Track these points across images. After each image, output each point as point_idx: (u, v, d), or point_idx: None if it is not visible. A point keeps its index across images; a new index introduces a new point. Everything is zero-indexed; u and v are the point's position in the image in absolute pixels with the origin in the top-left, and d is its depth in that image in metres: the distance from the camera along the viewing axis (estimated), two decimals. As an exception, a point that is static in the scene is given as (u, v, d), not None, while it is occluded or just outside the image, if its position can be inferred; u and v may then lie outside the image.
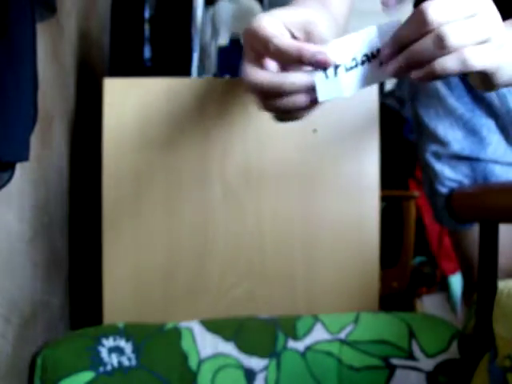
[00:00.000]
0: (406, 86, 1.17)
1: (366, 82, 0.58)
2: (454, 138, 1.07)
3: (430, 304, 2.16)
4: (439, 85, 1.06)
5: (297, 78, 0.57)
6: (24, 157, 0.70)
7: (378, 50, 0.57)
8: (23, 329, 0.87)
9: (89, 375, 0.87)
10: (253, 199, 1.07)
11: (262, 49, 0.58)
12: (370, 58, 0.57)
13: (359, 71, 0.57)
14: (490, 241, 0.89)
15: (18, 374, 0.85)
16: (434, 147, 1.09)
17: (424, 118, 1.10)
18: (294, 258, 1.07)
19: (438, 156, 1.09)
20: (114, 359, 0.90)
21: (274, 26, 0.58)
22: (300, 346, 0.94)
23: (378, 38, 0.56)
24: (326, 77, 0.56)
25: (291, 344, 0.94)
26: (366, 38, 0.56)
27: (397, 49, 0.55)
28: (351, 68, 0.57)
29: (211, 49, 1.30)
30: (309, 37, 0.58)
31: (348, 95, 0.57)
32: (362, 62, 0.57)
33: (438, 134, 1.07)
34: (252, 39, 0.59)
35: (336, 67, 0.56)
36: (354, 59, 0.57)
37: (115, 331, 0.94)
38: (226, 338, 0.94)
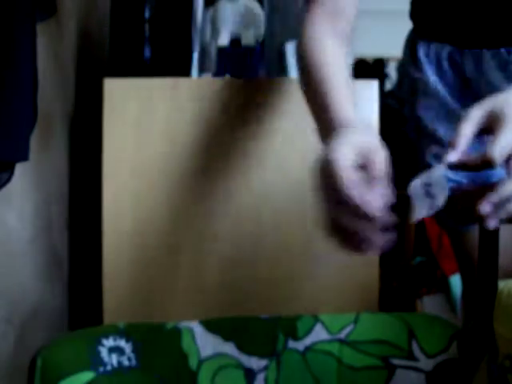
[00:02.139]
0: (406, 87, 1.17)
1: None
2: None
3: (430, 304, 2.16)
4: (439, 86, 1.06)
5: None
6: (24, 157, 0.70)
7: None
8: (23, 329, 0.87)
9: (89, 375, 0.87)
10: (253, 199, 1.07)
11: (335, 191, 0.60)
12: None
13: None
14: (490, 241, 0.89)
15: (18, 373, 0.85)
16: (434, 149, 1.08)
17: (424, 120, 1.09)
18: (294, 258, 1.07)
19: (438, 158, 1.09)
20: (114, 359, 0.90)
21: (344, 158, 0.60)
22: (300, 346, 0.94)
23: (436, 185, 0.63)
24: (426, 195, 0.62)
25: (291, 344, 0.94)
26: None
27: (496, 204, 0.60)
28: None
29: (211, 49, 1.30)
30: (370, 164, 0.61)
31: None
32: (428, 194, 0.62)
33: (438, 136, 1.07)
34: (327, 177, 0.61)
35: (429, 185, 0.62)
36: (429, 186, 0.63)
37: (115, 331, 0.94)
38: (226, 338, 0.94)
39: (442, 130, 1.07)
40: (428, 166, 1.11)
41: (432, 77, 1.07)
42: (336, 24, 0.81)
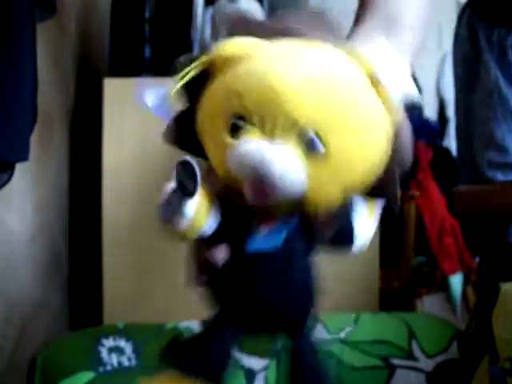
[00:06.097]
0: (461, 74, 1.02)
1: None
2: None
3: (430, 304, 2.16)
4: (502, 81, 0.95)
5: None
6: (24, 157, 0.70)
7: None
8: (23, 329, 0.87)
9: (89, 375, 0.87)
10: (253, 199, 1.06)
11: None
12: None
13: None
14: (490, 241, 0.89)
15: (18, 373, 0.85)
16: (489, 154, 0.95)
17: (480, 117, 0.97)
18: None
19: (493, 165, 0.96)
20: (114, 359, 0.90)
21: None
22: (300, 346, 0.94)
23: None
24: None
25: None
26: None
27: None
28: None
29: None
30: None
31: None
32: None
33: (495, 139, 0.95)
34: None
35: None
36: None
37: (115, 331, 0.94)
38: (226, 338, 0.94)
39: (499, 133, 0.94)
40: (484, 178, 0.93)
41: (494, 70, 0.94)
42: None
